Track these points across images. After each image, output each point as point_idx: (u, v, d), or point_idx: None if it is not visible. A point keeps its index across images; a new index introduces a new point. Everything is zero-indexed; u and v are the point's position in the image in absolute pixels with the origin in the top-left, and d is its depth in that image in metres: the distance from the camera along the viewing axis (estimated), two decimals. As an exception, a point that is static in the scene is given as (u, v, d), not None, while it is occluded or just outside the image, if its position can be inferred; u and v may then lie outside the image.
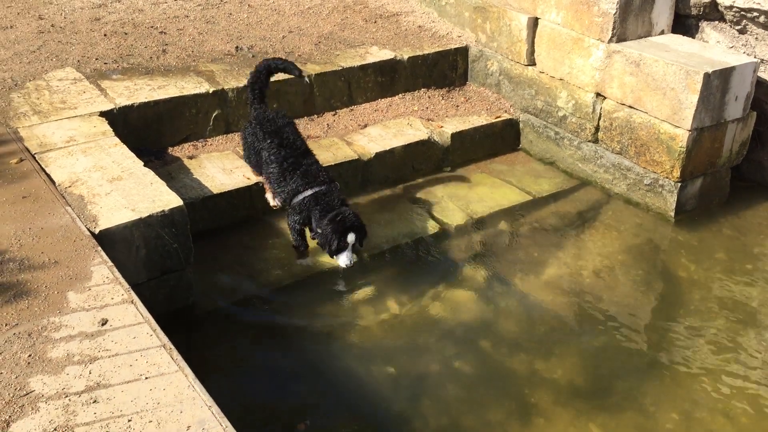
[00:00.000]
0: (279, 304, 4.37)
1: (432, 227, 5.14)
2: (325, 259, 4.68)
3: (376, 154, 5.49)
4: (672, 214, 5.34)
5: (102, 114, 4.86)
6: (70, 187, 3.93)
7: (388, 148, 5.56)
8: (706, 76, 4.92)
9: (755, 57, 5.51)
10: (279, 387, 3.84)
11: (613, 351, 4.17)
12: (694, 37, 5.79)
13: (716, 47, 5.57)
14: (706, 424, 3.68)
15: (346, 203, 4.45)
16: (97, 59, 5.73)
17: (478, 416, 3.67)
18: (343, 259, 4.32)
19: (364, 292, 4.52)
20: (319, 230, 4.32)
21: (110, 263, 3.32)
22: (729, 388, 3.91)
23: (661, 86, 5.15)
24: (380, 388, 3.82)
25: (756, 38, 5.59)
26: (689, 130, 5.07)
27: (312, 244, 4.63)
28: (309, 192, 4.39)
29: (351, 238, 4.28)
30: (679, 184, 5.27)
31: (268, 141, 4.51)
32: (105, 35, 6.20)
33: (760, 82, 5.46)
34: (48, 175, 4.05)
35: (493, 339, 4.20)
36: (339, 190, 4.49)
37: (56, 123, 4.66)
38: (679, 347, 4.20)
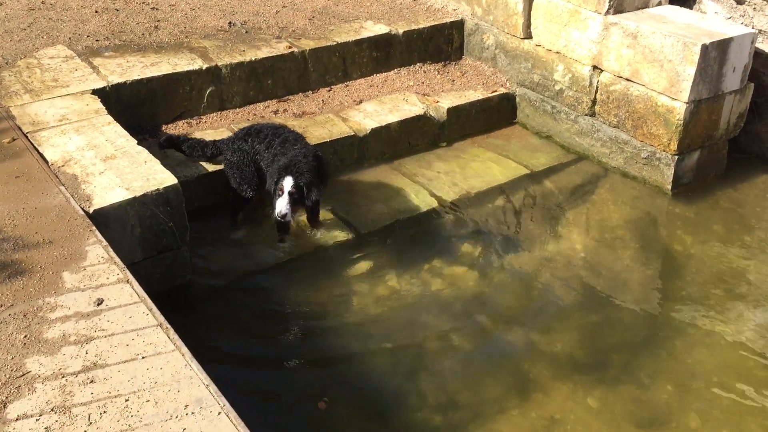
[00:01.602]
0: (275, 282, 4.36)
1: (429, 203, 5.12)
2: (322, 237, 4.67)
3: (372, 130, 5.46)
4: (669, 187, 5.33)
5: (94, 92, 4.81)
6: (63, 166, 3.90)
7: (383, 124, 5.53)
8: (704, 47, 4.88)
9: (753, 28, 5.46)
10: (276, 364, 3.84)
11: (610, 324, 4.18)
12: (691, 8, 5.73)
13: (714, 18, 5.52)
14: (701, 395, 3.70)
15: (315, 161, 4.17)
16: (88, 36, 5.66)
17: (476, 391, 3.68)
18: (276, 207, 3.94)
19: (361, 268, 4.51)
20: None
21: (105, 243, 3.31)
22: (725, 359, 3.93)
23: (658, 58, 5.11)
24: (378, 364, 3.83)
25: (754, 8, 5.54)
26: (687, 103, 5.03)
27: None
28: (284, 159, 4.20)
29: (287, 182, 3.93)
30: (676, 157, 5.24)
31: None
32: (96, 12, 6.12)
33: (757, 53, 5.41)
34: (41, 155, 4.01)
35: (490, 314, 4.20)
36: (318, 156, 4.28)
37: (48, 101, 4.62)
38: (676, 320, 4.21)
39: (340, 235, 4.73)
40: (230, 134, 4.90)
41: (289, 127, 4.68)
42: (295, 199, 4.02)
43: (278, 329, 4.07)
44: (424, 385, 3.72)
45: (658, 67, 5.12)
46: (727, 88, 5.22)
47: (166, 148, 4.72)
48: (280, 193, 3.99)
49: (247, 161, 4.48)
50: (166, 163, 4.07)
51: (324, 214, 4.83)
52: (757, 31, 5.32)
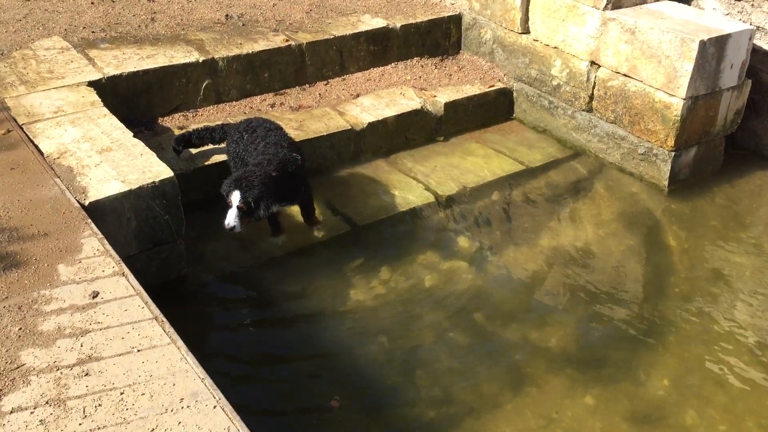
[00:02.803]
0: (271, 276, 4.35)
1: (425, 197, 5.11)
2: (318, 232, 4.66)
3: (369, 124, 5.44)
4: (666, 183, 5.33)
5: (90, 84, 4.78)
6: (58, 158, 3.88)
7: (380, 118, 5.51)
8: (702, 43, 4.87)
9: (751, 24, 5.45)
10: (271, 358, 3.83)
11: (606, 320, 4.18)
12: (689, 4, 5.73)
13: (712, 14, 5.52)
14: (697, 391, 3.71)
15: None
16: (84, 28, 5.63)
17: (472, 387, 3.68)
18: (226, 218, 3.96)
19: (357, 262, 4.50)
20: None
21: (100, 235, 3.29)
22: (720, 355, 3.94)
23: (656, 54, 5.10)
24: (374, 360, 3.83)
25: (752, 5, 5.54)
26: (684, 99, 5.03)
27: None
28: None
29: (235, 196, 3.95)
30: (673, 153, 5.24)
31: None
32: (92, 3, 6.09)
33: (755, 50, 5.41)
34: (36, 146, 3.99)
35: (486, 309, 4.20)
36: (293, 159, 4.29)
37: (44, 93, 4.59)
38: (672, 316, 4.21)
39: (336, 229, 4.72)
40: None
41: (281, 127, 4.63)
42: (244, 212, 4.01)
43: (274, 323, 4.06)
44: (419, 379, 3.71)
45: (655, 63, 5.12)
46: (725, 84, 5.22)
47: (182, 151, 4.72)
48: (230, 205, 4.00)
49: (239, 152, 4.49)
50: (162, 156, 4.06)
51: (320, 208, 4.82)
52: (755, 28, 5.31)
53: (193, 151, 4.80)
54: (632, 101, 5.36)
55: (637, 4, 5.51)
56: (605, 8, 5.39)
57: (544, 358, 3.89)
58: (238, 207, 3.96)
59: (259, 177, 4.02)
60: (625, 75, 5.37)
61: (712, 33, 4.97)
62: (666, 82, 5.09)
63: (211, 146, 4.83)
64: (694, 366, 3.86)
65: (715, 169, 5.63)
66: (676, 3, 5.60)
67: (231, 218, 3.96)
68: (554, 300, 4.31)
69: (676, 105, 5.07)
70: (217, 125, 4.79)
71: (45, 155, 3.91)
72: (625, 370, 3.83)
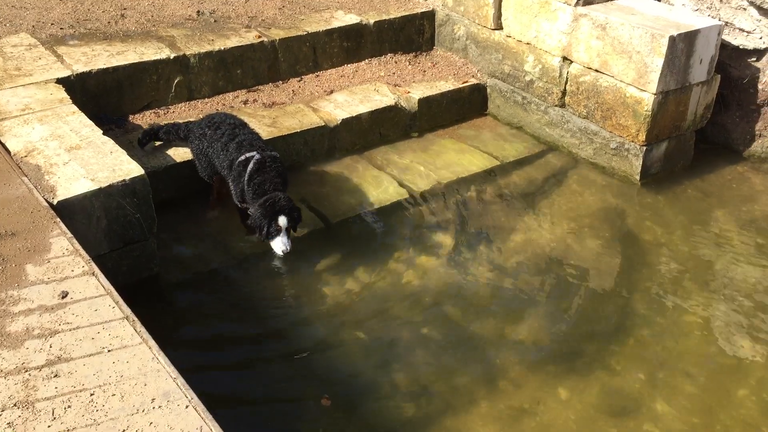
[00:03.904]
0: (244, 274, 4.33)
1: (399, 193, 5.11)
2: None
3: (343, 120, 5.42)
4: (637, 177, 5.38)
5: (59, 81, 4.71)
6: (26, 156, 3.82)
7: (354, 114, 5.50)
8: (672, 39, 4.92)
9: (720, 20, 5.52)
10: (245, 356, 3.80)
11: (580, 314, 4.21)
12: (659, 0, 5.78)
13: (681, 10, 5.57)
14: (670, 383, 3.74)
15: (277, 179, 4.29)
16: (52, 24, 5.54)
17: (447, 382, 3.69)
18: (278, 245, 4.18)
19: (332, 260, 4.48)
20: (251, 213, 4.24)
21: (70, 234, 3.24)
22: (691, 348, 3.98)
23: (627, 50, 5.14)
24: (350, 356, 3.82)
25: (720, 1, 5.60)
26: (655, 94, 5.08)
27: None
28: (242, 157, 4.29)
29: (283, 221, 4.14)
30: (645, 148, 5.29)
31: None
32: (60, -1, 6.00)
33: (724, 45, 5.48)
34: (2, 145, 3.92)
35: (461, 305, 4.21)
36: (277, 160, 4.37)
37: (11, 90, 4.51)
38: (644, 309, 4.25)
39: (310, 226, 4.70)
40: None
41: (245, 123, 4.60)
42: (290, 233, 4.24)
43: (247, 321, 4.03)
44: (397, 375, 3.71)
45: (626, 59, 5.16)
46: (695, 79, 5.27)
47: (147, 143, 4.69)
48: (276, 231, 4.16)
49: (203, 149, 4.48)
50: (132, 154, 4.01)
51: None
52: (723, 23, 5.38)
53: (166, 150, 4.74)
54: (604, 96, 5.40)
55: (608, 0, 5.55)
56: (577, 4, 5.42)
57: (519, 352, 3.90)
58: (286, 230, 4.16)
59: (287, 198, 4.20)
60: (596, 70, 5.41)
61: (681, 29, 5.02)
62: (637, 78, 5.14)
63: (182, 144, 4.77)
64: (666, 358, 3.90)
65: (686, 163, 5.69)
66: (646, -1, 5.66)
67: (285, 242, 4.17)
68: (528, 294, 4.33)
69: (647, 100, 5.12)
70: (182, 123, 4.75)
71: (12, 154, 3.84)
72: (599, 363, 3.86)
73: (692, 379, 3.78)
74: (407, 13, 6.45)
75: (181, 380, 2.51)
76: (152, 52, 5.26)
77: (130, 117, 5.13)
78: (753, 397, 3.68)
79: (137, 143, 4.67)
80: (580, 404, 3.61)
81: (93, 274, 3.01)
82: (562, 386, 3.70)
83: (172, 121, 4.87)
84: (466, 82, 6.21)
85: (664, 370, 3.83)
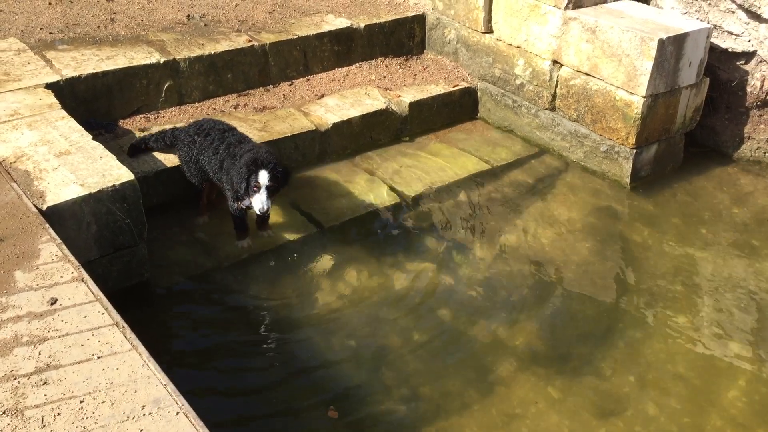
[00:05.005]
0: (236, 279, 4.31)
1: (391, 198, 5.11)
2: (284, 233, 4.63)
3: (334, 124, 5.42)
4: (627, 180, 5.40)
5: (48, 86, 4.69)
6: (15, 162, 3.80)
7: (345, 119, 5.50)
8: (661, 42, 4.94)
9: (708, 23, 5.55)
10: (237, 362, 3.79)
11: (571, 317, 4.22)
12: (649, 3, 5.81)
13: (670, 13, 5.60)
14: (660, 385, 3.76)
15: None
16: (41, 29, 5.52)
17: (438, 386, 3.68)
18: (257, 202, 3.99)
19: (324, 264, 4.48)
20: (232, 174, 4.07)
21: (59, 240, 3.22)
22: (682, 350, 4.00)
23: (616, 53, 5.16)
24: (342, 361, 3.81)
25: (709, 4, 5.64)
26: (644, 97, 5.10)
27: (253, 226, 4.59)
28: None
29: (263, 177, 3.97)
30: (635, 151, 5.31)
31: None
32: (50, 4, 5.97)
33: (713, 48, 5.51)
34: (-8, 151, 3.90)
35: (453, 308, 4.21)
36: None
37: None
38: (634, 312, 4.27)
39: (302, 230, 4.69)
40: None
41: (234, 128, 4.58)
42: (271, 191, 4.03)
43: (239, 327, 4.02)
44: (388, 380, 3.71)
45: (616, 62, 5.18)
46: (684, 82, 5.30)
47: (135, 156, 4.66)
48: (254, 189, 3.99)
49: (193, 156, 4.46)
50: (122, 159, 3.99)
51: (285, 209, 4.79)
52: (712, 27, 5.41)
53: (157, 155, 4.73)
54: (594, 100, 5.42)
55: (597, 4, 5.57)
56: (566, 8, 5.44)
57: (510, 355, 3.91)
58: (267, 187, 3.98)
59: (271, 154, 4.02)
60: (586, 74, 5.43)
61: (670, 32, 5.05)
62: (626, 81, 5.16)
63: (170, 151, 4.75)
64: (656, 361, 3.92)
65: (676, 166, 5.72)
66: (635, 2, 5.68)
67: (263, 200, 3.97)
68: (520, 298, 4.34)
69: (637, 103, 5.14)
70: (168, 129, 4.73)
71: (1, 160, 3.82)
72: (590, 366, 3.87)
73: (682, 381, 3.79)
74: (398, 17, 6.46)
75: (171, 387, 2.50)
76: (142, 57, 5.25)
77: (120, 122, 5.12)
78: (743, 398, 3.70)
79: (127, 155, 4.64)
80: (570, 406, 3.61)
81: (82, 280, 3.00)
82: (553, 387, 3.71)
83: (161, 129, 4.85)
84: (457, 85, 6.22)
85: (654, 372, 3.84)
